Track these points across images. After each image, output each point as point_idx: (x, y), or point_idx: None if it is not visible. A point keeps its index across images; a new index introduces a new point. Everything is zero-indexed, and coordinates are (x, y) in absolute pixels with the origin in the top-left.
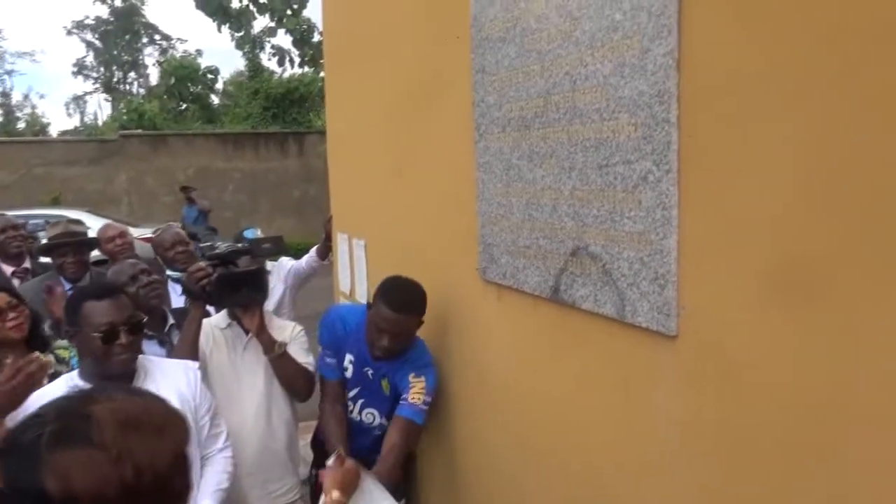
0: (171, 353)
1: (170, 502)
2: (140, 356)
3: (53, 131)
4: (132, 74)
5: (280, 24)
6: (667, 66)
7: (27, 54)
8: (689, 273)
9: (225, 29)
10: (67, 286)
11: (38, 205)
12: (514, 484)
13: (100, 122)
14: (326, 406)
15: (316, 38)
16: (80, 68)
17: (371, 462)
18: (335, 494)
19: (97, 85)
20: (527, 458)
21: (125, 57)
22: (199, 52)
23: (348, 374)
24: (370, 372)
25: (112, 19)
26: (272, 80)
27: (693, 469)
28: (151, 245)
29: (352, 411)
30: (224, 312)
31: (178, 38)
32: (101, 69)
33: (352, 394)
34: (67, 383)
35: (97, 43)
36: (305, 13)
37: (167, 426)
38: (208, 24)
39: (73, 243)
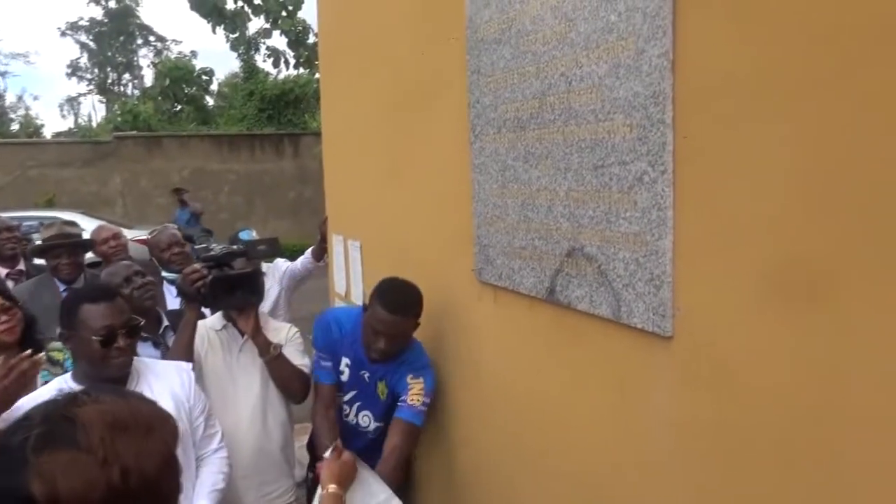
0: (166, 355)
1: None
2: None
3: (47, 133)
4: (126, 76)
5: (275, 25)
6: (662, 67)
7: (21, 56)
8: (685, 274)
9: (220, 30)
10: (62, 287)
11: (32, 206)
12: (511, 484)
13: (94, 124)
14: (319, 410)
15: (311, 39)
16: (75, 70)
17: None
18: (332, 488)
19: (91, 86)
20: (523, 458)
21: (119, 58)
22: (193, 54)
23: (344, 377)
24: (366, 375)
25: (106, 20)
26: (267, 82)
27: (689, 470)
28: (147, 246)
29: (347, 414)
30: (219, 314)
31: (173, 40)
32: (96, 70)
33: (347, 397)
34: (60, 386)
35: (91, 44)
36: (300, 15)
37: (155, 428)
38: (203, 25)
39: (67, 244)
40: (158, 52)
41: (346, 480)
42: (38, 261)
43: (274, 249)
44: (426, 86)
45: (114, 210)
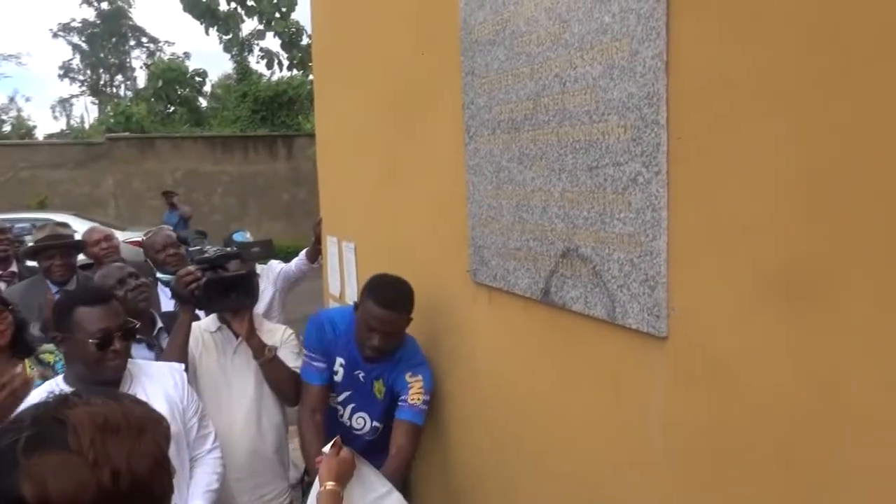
0: (160, 357)
1: None
2: None
3: (39, 134)
4: (119, 77)
5: (268, 26)
6: (656, 68)
7: (13, 57)
8: (679, 274)
9: (213, 32)
10: (54, 289)
11: (24, 208)
12: (508, 484)
13: (86, 126)
14: (305, 413)
15: (305, 41)
16: (67, 71)
17: None
18: (330, 485)
19: (84, 88)
20: (519, 458)
21: (112, 60)
22: (186, 55)
23: (338, 377)
24: (361, 375)
25: (99, 22)
26: (260, 83)
27: (683, 469)
28: (142, 247)
29: (342, 416)
30: (214, 316)
31: (166, 41)
32: (88, 72)
33: (341, 398)
34: (52, 388)
35: (84, 45)
36: (294, 16)
37: (147, 430)
38: (196, 26)
39: (59, 246)
40: (151, 54)
41: (344, 477)
42: (31, 263)
43: (268, 251)
44: (420, 87)
45: (106, 212)
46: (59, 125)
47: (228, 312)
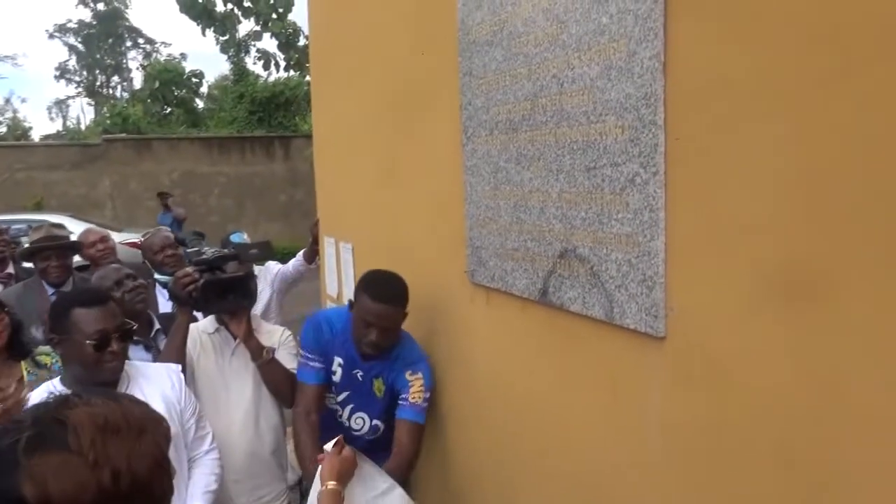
0: (158, 358)
1: None
2: None
3: (35, 136)
4: (115, 78)
5: (265, 27)
6: (653, 68)
7: (9, 58)
8: (677, 274)
9: (209, 32)
10: (50, 290)
11: (20, 210)
12: (506, 484)
13: (83, 127)
14: (300, 414)
15: (301, 41)
16: (63, 72)
17: None
18: (331, 484)
19: (80, 89)
20: (517, 459)
21: (108, 61)
22: (183, 56)
23: (336, 377)
24: (360, 374)
25: (95, 23)
26: (257, 84)
27: (682, 470)
28: (140, 248)
29: (340, 416)
30: (212, 317)
31: (162, 42)
32: (84, 73)
33: (340, 398)
34: (50, 390)
35: (80, 47)
36: (291, 17)
37: (147, 430)
38: (192, 27)
39: (55, 247)
40: (148, 55)
41: (345, 476)
42: (28, 264)
43: (266, 253)
44: (418, 87)
45: (103, 213)
46: (56, 126)
47: (226, 314)
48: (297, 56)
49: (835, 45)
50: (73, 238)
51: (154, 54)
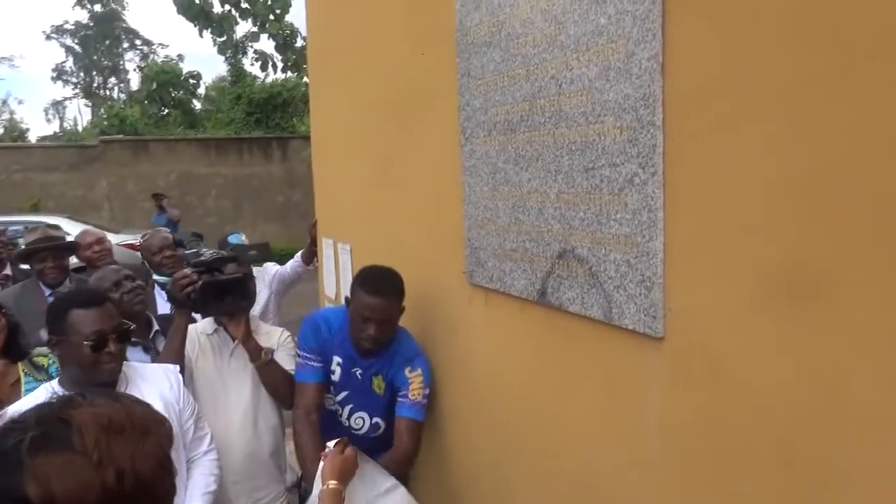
0: (156, 360)
1: None
2: None
3: (32, 137)
4: (112, 80)
5: (263, 28)
6: (651, 69)
7: (6, 59)
8: (676, 275)
9: (207, 34)
10: (47, 292)
11: (17, 211)
12: (505, 485)
13: (80, 128)
14: (300, 415)
15: (299, 43)
16: (60, 73)
17: None
18: (332, 484)
19: (77, 90)
20: (516, 459)
21: (105, 62)
22: (180, 57)
23: (335, 376)
24: (359, 372)
25: (92, 24)
26: (255, 85)
27: (681, 470)
28: (139, 249)
29: (340, 416)
30: (210, 318)
31: (160, 43)
32: (81, 74)
33: (340, 398)
34: (47, 392)
35: (77, 48)
36: (288, 18)
37: (151, 430)
38: (190, 29)
39: (52, 248)
40: (145, 56)
41: (347, 476)
42: (25, 266)
43: (265, 254)
44: (416, 88)
45: (100, 214)
46: (53, 128)
47: (224, 315)
48: (294, 57)
49: (833, 45)
50: (70, 240)
51: (151, 55)
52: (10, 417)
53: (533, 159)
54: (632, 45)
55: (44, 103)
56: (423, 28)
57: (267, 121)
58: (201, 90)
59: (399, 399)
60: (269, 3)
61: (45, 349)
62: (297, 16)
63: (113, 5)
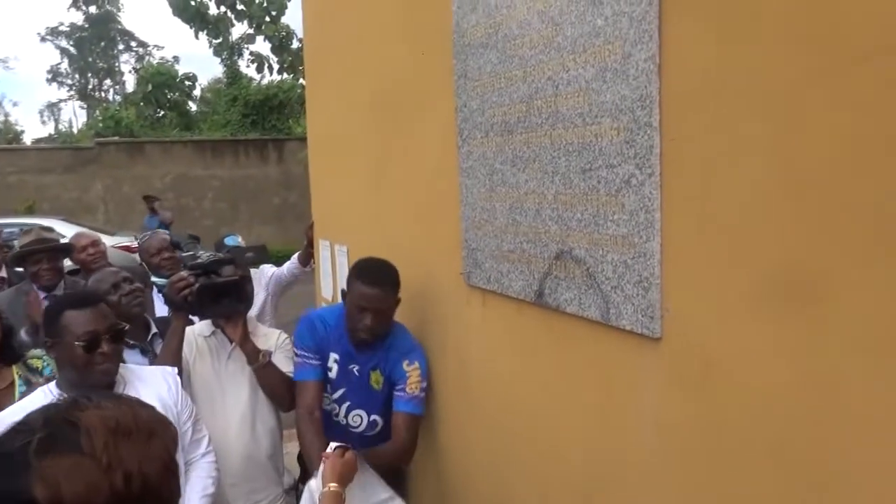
0: (154, 362)
1: None
2: None
3: (27, 139)
4: (108, 81)
5: (258, 30)
6: (648, 70)
7: (0, 61)
8: (673, 275)
9: (202, 35)
10: (42, 295)
11: (12, 213)
12: (501, 485)
13: (75, 130)
14: (303, 414)
15: (295, 44)
16: (55, 75)
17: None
18: (333, 486)
19: (72, 92)
20: (512, 459)
21: (101, 64)
22: (176, 59)
23: (332, 374)
24: (356, 368)
25: (87, 26)
26: (251, 87)
27: (678, 470)
28: (138, 251)
29: (337, 414)
30: (208, 321)
31: (155, 45)
32: (77, 76)
33: (336, 395)
34: (45, 394)
35: (72, 50)
36: (284, 20)
37: (157, 433)
38: (185, 30)
39: (46, 250)
40: (140, 58)
41: (346, 479)
42: (20, 268)
43: (261, 256)
44: (413, 90)
45: (96, 217)
46: (48, 130)
47: (221, 318)
48: (290, 59)
49: (828, 46)
50: (65, 242)
51: (147, 57)
52: (8, 421)
53: (530, 160)
54: (628, 46)
55: (39, 105)
56: (419, 29)
57: (263, 122)
58: (197, 92)
59: (396, 393)
60: (265, 4)
61: (39, 351)
62: (292, 17)
63: (108, 7)
